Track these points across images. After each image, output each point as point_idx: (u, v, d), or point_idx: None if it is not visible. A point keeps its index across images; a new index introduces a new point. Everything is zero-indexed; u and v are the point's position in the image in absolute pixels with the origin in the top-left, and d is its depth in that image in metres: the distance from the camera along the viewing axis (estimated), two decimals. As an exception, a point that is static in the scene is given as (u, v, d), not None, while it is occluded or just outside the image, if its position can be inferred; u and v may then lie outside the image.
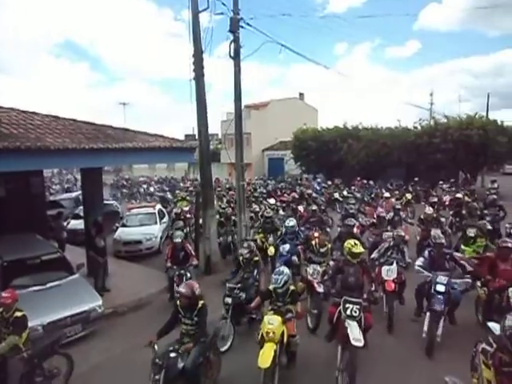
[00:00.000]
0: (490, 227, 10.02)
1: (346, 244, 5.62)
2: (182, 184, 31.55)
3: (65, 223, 13.14)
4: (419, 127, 25.88)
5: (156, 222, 13.93)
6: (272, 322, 4.86)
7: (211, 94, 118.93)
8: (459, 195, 14.18)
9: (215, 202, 17.18)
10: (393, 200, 14.96)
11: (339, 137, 27.96)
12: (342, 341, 5.15)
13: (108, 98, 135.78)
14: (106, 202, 18.72)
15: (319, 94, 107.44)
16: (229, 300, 6.49)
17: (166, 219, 14.86)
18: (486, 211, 11.30)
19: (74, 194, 20.92)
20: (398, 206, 12.12)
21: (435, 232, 8.86)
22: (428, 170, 23.28)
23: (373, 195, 18.83)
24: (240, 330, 6.62)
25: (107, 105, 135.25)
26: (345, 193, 20.01)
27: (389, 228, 9.87)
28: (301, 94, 42.90)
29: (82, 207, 12.27)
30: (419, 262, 6.54)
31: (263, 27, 10.33)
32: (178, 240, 8.25)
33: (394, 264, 7.17)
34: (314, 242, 7.63)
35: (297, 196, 17.46)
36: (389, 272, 7.03)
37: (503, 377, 3.41)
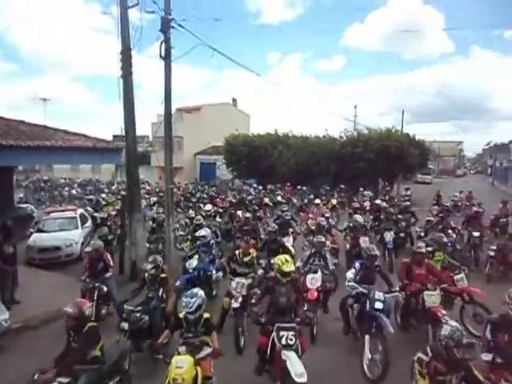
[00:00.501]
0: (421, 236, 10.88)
1: (275, 260, 5.03)
2: (110, 187, 29.96)
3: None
4: (344, 137, 27.58)
5: (77, 227, 12.99)
6: (181, 365, 3.93)
7: (142, 94, 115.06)
8: (378, 201, 15.33)
9: (147, 206, 16.45)
10: (322, 207, 14.94)
11: (270, 143, 28.70)
12: (279, 376, 4.52)
13: (24, 92, 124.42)
14: (19, 205, 17.09)
15: (252, 101, 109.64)
16: (125, 325, 5.49)
17: (88, 224, 13.94)
18: (400, 216, 12.33)
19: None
20: (328, 214, 11.78)
21: (366, 242, 9.18)
22: (352, 178, 24.84)
23: (306, 201, 19.14)
24: (141, 358, 5.65)
25: (24, 100, 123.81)
26: (279, 198, 19.98)
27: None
28: (234, 100, 43.32)
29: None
30: (350, 274, 6.30)
31: (196, 30, 10.20)
32: (89, 249, 7.72)
33: (319, 272, 6.98)
34: (237, 252, 7.08)
35: (234, 200, 16.90)
36: (313, 280, 6.81)
37: None
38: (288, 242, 9.55)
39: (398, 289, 6.42)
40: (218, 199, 19.58)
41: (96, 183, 33.35)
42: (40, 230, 12.75)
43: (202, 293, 4.48)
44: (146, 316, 5.69)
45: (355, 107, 37.52)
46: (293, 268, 5.03)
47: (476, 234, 11.03)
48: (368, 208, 16.30)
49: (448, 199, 18.46)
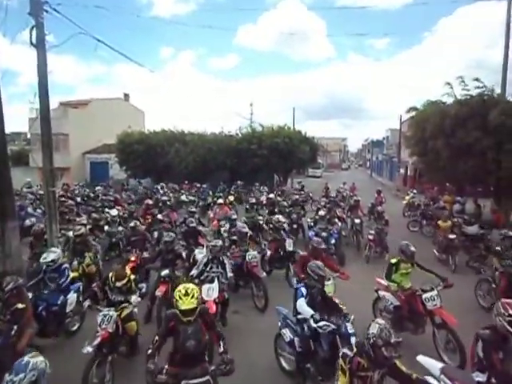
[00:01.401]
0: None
1: (174, 293, 3.88)
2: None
3: None
4: (240, 134, 28.27)
5: None
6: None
7: (17, 87, 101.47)
8: (271, 195, 16.09)
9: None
10: (225, 206, 13.72)
11: (166, 141, 27.97)
12: None
13: None
14: None
15: (146, 96, 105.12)
16: None
17: None
18: (291, 209, 13.13)
19: None
20: (235, 216, 10.57)
21: (290, 245, 8.96)
22: (248, 173, 25.64)
23: (209, 200, 18.54)
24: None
25: None
26: (183, 197, 18.47)
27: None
28: (126, 95, 40.95)
29: None
30: (302, 304, 4.84)
31: (79, 19, 9.17)
32: None
33: (215, 281, 6.44)
34: (110, 274, 5.54)
35: (150, 202, 14.40)
36: (209, 291, 6.18)
37: (359, 380, 3.39)
38: (201, 253, 8.15)
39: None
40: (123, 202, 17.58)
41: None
42: None
43: (36, 363, 3.14)
44: None
45: (251, 105, 38.73)
46: (195, 303, 3.76)
47: (357, 220, 12.53)
48: (264, 202, 16.97)
49: (335, 191, 20.25)
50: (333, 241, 10.57)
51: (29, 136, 36.73)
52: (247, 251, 8.07)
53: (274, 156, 25.61)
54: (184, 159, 26.51)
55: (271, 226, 10.51)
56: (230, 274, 6.82)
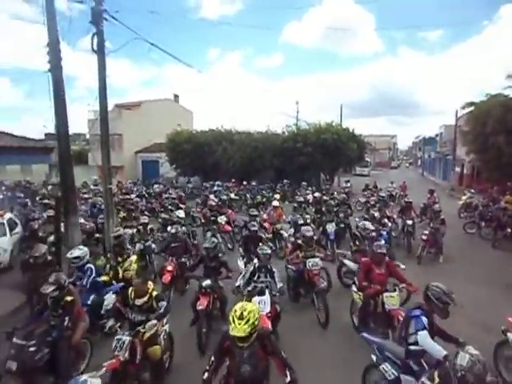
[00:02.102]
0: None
1: (230, 312, 3.29)
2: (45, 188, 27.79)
3: None
4: (286, 133, 28.19)
5: (5, 234, 11.94)
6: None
7: (79, 90, 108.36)
8: (317, 194, 15.88)
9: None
10: (281, 210, 12.69)
11: (214, 140, 28.52)
12: None
13: None
14: None
15: (194, 97, 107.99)
16: (12, 365, 4.26)
17: (18, 229, 12.87)
18: (338, 208, 12.89)
19: None
20: (301, 221, 10.53)
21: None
22: (294, 172, 25.51)
23: (259, 199, 18.30)
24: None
25: None
26: (232, 195, 18.94)
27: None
28: (176, 96, 42.31)
29: None
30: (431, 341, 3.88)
31: (133, 24, 9.79)
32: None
33: (267, 293, 5.81)
34: (130, 291, 5.03)
35: (213, 203, 13.23)
36: (261, 305, 5.53)
37: None
38: (240, 261, 7.98)
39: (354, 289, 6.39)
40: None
41: (27, 185, 30.85)
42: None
43: None
44: (46, 349, 4.60)
45: (297, 103, 38.45)
46: (248, 330, 3.15)
47: (409, 222, 11.99)
48: (311, 201, 16.81)
49: (384, 190, 19.61)
50: (383, 241, 10.24)
51: (88, 137, 39.15)
52: (313, 257, 7.32)
53: (320, 154, 25.27)
54: (231, 157, 26.93)
55: (357, 233, 9.94)
56: (279, 284, 6.11)
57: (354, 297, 6.54)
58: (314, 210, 14.17)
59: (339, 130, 26.78)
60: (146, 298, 4.90)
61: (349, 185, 22.89)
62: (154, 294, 5.01)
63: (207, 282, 6.21)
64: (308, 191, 19.51)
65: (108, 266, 7.94)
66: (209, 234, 10.77)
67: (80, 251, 6.70)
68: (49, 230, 10.77)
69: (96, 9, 9.25)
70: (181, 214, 11.82)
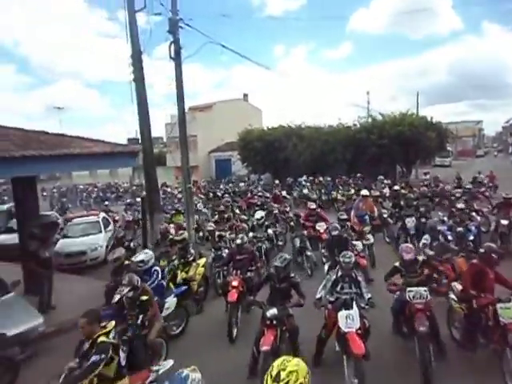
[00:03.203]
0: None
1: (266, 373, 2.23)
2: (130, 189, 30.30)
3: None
4: (358, 125, 27.25)
5: (100, 231, 13.28)
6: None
7: (154, 97, 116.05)
8: (396, 187, 15.10)
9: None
10: (371, 200, 11.67)
11: (284, 136, 28.61)
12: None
13: (39, 103, 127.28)
14: (44, 213, 17.52)
15: (263, 95, 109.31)
16: None
17: (111, 227, 14.25)
18: (418, 202, 12.12)
19: (5, 207, 19.30)
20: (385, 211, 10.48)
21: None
22: (367, 165, 24.56)
23: (334, 195, 17.84)
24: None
25: (39, 110, 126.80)
26: (305, 191, 18.78)
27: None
28: (245, 95, 43.24)
29: (15, 220, 11.37)
30: None
31: (203, 28, 10.22)
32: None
33: (355, 306, 4.97)
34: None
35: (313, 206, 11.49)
36: (349, 320, 4.77)
37: None
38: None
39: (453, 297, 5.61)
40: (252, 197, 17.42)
41: (115, 186, 33.85)
42: (65, 236, 13.09)
43: (194, 379, 2.96)
44: (125, 347, 4.65)
45: (368, 93, 36.91)
46: None
47: (504, 221, 10.18)
48: (387, 195, 16.09)
49: (468, 181, 18.02)
50: (471, 237, 9.39)
51: (165, 139, 41.78)
52: (419, 285, 5.95)
53: (396, 145, 23.98)
54: (302, 153, 26.78)
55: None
56: (367, 295, 5.19)
57: (452, 305, 5.71)
58: (391, 204, 13.59)
59: (416, 120, 25.19)
60: (88, 344, 3.92)
61: (428, 177, 21.45)
62: (100, 340, 3.82)
63: (273, 312, 5.02)
64: (384, 184, 18.71)
65: (167, 268, 7.87)
66: (297, 241, 9.95)
67: (145, 255, 6.69)
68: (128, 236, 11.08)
69: (173, 19, 9.82)
70: (259, 214, 10.71)
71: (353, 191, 17.07)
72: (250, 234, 10.11)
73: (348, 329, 4.71)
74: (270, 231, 10.59)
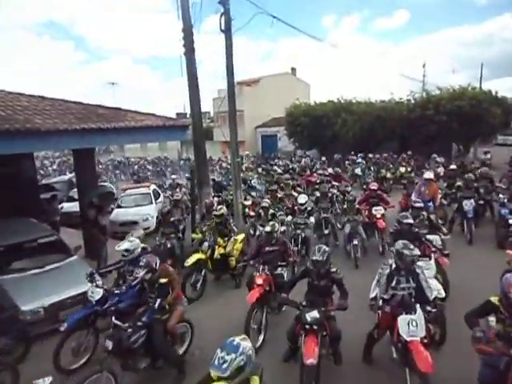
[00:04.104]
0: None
1: None
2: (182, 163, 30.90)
3: (59, 206, 13.07)
4: (412, 100, 25.73)
5: (151, 202, 13.89)
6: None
7: (201, 72, 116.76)
8: (453, 166, 14.22)
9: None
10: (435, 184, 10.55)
11: (333, 111, 27.73)
12: None
13: (94, 78, 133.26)
14: (101, 183, 18.58)
15: (310, 69, 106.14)
16: (109, 344, 4.37)
17: (161, 199, 14.85)
18: (477, 183, 11.31)
19: (66, 177, 20.71)
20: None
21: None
22: (420, 143, 23.26)
23: (383, 173, 16.57)
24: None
25: (94, 85, 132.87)
26: (357, 171, 17.60)
27: None
28: (293, 69, 42.20)
29: (75, 190, 12.22)
30: None
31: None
32: None
33: (418, 310, 4.20)
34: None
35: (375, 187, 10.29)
36: (411, 326, 4.02)
37: None
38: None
39: None
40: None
41: (164, 160, 34.98)
42: (119, 206, 13.85)
43: (245, 348, 2.77)
44: (143, 331, 4.68)
45: (423, 66, 34.74)
46: None
47: None
48: (441, 175, 15.24)
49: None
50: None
51: (212, 114, 42.16)
52: None
53: (455, 122, 22.38)
54: (350, 128, 25.85)
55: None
56: (433, 292, 4.45)
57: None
58: (445, 184, 12.88)
59: (478, 94, 23.24)
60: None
61: (488, 156, 19.94)
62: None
63: (314, 316, 4.33)
64: (438, 164, 17.69)
65: (206, 243, 7.74)
66: (348, 227, 9.09)
67: (130, 243, 6.00)
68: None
69: (224, -12, 9.64)
70: (302, 198, 9.48)
71: (403, 170, 16.35)
72: (289, 218, 9.44)
73: (411, 337, 3.98)
74: (311, 219, 9.18)
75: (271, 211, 9.52)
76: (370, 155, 21.08)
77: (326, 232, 9.53)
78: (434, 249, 6.19)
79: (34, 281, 6.57)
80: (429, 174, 10.52)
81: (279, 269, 6.23)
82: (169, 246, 8.65)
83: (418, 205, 7.69)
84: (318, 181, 14.51)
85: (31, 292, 6.26)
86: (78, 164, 10.46)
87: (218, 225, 8.09)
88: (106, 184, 19.36)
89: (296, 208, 9.53)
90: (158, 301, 4.79)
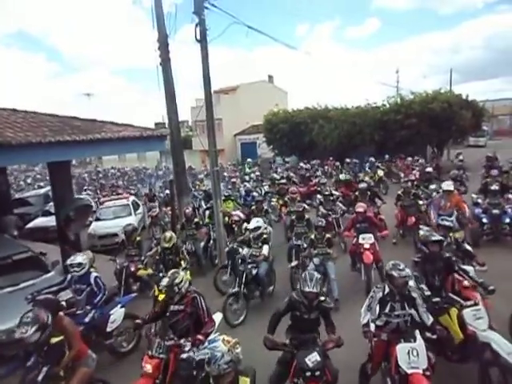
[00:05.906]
0: None
1: None
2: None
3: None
4: (387, 105, 26.38)
5: (131, 214, 13.69)
6: None
7: (179, 81, 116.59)
8: (429, 169, 14.56)
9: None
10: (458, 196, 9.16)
11: (310, 118, 28.12)
12: None
13: (69, 90, 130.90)
14: (78, 196, 18.17)
15: (287, 77, 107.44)
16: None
17: (140, 210, 14.65)
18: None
19: (42, 191, 20.18)
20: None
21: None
22: (397, 146, 23.84)
23: (361, 177, 16.15)
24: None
25: (69, 96, 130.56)
26: (342, 176, 16.46)
27: None
28: (270, 77, 42.65)
29: (51, 204, 11.93)
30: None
31: (227, 9, 10.01)
32: None
33: (418, 337, 3.76)
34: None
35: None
36: (412, 356, 3.59)
37: None
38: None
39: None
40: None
41: (142, 170, 34.55)
42: (98, 219, 13.58)
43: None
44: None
45: (397, 72, 35.67)
46: None
47: None
48: (417, 177, 15.58)
49: (506, 162, 17.18)
50: (507, 220, 9.10)
51: (190, 123, 42.06)
52: None
53: (427, 125, 23.06)
54: (328, 135, 26.28)
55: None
56: (429, 319, 3.85)
57: None
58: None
59: (450, 98, 24.04)
60: None
61: (461, 157, 20.58)
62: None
63: (316, 360, 3.60)
64: (415, 166, 18.13)
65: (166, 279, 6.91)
66: (312, 264, 7.38)
67: (82, 257, 5.54)
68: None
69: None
70: (254, 223, 7.52)
71: (381, 173, 16.66)
72: (245, 251, 7.14)
73: (412, 369, 3.49)
74: (264, 249, 7.08)
75: (245, 225, 8.16)
76: (348, 160, 21.35)
77: (293, 264, 7.40)
78: (472, 283, 4.58)
79: (8, 299, 6.34)
80: (448, 185, 8.76)
81: (186, 347, 4.04)
82: (132, 269, 7.92)
83: (446, 223, 5.94)
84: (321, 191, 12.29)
85: (5, 311, 6.02)
86: (54, 177, 10.20)
87: (168, 255, 6.99)
88: (83, 197, 18.96)
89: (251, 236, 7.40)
90: (45, 369, 3.67)
